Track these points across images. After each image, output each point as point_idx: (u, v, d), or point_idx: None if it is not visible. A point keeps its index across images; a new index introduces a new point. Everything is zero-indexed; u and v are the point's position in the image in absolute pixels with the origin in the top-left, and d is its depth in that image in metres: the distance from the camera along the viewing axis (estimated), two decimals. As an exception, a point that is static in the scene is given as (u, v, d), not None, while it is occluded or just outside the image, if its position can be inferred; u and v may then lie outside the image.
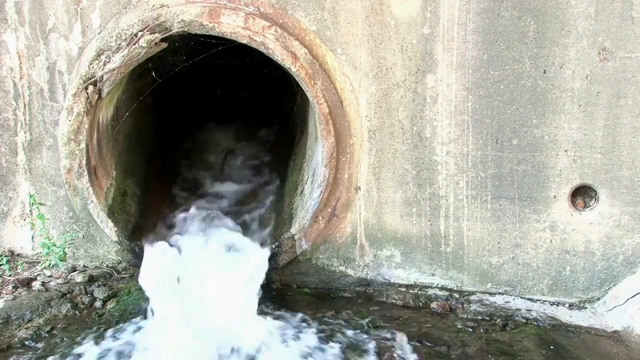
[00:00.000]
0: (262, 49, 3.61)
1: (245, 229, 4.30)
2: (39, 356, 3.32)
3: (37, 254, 4.12)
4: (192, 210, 4.47)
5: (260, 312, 3.66)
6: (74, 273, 3.98)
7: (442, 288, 4.02)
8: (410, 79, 3.78)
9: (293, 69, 3.65)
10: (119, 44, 3.53)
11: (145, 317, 3.60)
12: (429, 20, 3.69)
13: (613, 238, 3.83)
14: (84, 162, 3.70)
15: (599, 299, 3.89)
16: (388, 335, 3.57)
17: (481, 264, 3.97)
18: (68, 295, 3.80)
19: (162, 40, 3.56)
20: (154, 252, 3.76)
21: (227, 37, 3.59)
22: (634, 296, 3.71)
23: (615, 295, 3.82)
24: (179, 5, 3.59)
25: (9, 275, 3.92)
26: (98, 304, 3.79)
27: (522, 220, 3.87)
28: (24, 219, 4.10)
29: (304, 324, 3.65)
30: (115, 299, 3.81)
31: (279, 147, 5.38)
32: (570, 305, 3.92)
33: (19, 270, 3.98)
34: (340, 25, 3.74)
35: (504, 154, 3.81)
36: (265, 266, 3.82)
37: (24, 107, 3.95)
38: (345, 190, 3.95)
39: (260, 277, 3.75)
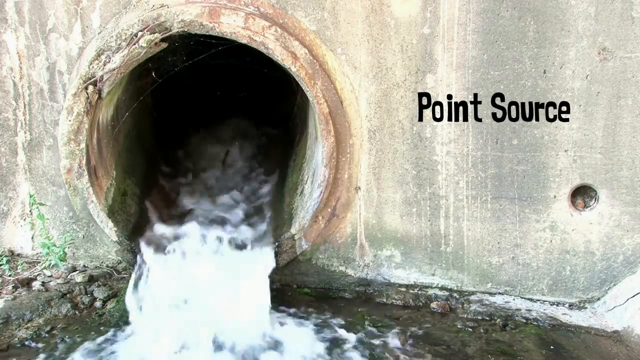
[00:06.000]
0: (262, 49, 3.61)
1: (246, 228, 4.30)
2: (39, 356, 3.32)
3: (37, 254, 4.12)
4: (192, 210, 4.47)
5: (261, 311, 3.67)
6: (74, 273, 3.98)
7: (442, 288, 4.02)
8: (410, 79, 3.78)
9: (293, 69, 3.65)
10: (119, 44, 3.53)
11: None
12: (429, 20, 3.70)
13: (613, 238, 3.83)
14: (84, 162, 3.70)
15: (599, 299, 3.90)
16: (387, 335, 3.57)
17: (481, 264, 3.97)
18: (68, 295, 3.81)
19: (162, 40, 3.56)
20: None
21: (227, 37, 3.59)
22: (634, 296, 3.71)
23: (615, 295, 3.82)
24: (179, 5, 3.59)
25: (9, 275, 3.92)
26: (98, 304, 3.80)
27: (522, 220, 3.87)
28: (24, 219, 4.10)
29: (303, 324, 3.65)
30: (115, 299, 3.81)
31: (279, 147, 5.38)
32: (570, 305, 3.92)
33: (19, 270, 3.98)
34: (340, 25, 3.74)
35: (504, 154, 3.81)
36: (270, 265, 3.84)
37: (24, 107, 3.95)
38: (345, 190, 3.95)
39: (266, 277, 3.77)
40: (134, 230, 4.05)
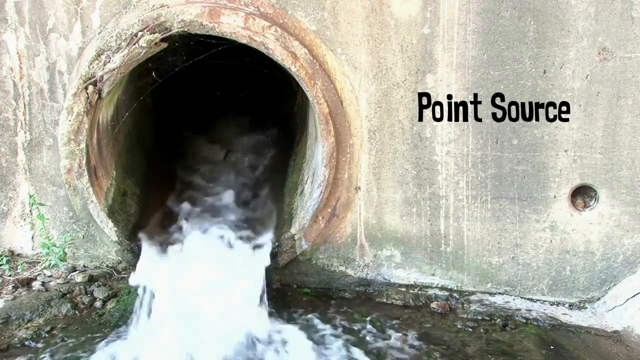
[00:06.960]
0: (262, 49, 3.61)
1: (246, 228, 4.30)
2: (39, 356, 3.32)
3: (37, 254, 4.12)
4: (193, 209, 4.47)
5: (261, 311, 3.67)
6: (74, 273, 3.98)
7: (442, 288, 4.02)
8: (410, 79, 3.78)
9: (293, 69, 3.65)
10: (119, 44, 3.53)
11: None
12: (429, 20, 3.70)
13: (613, 238, 3.83)
14: (84, 162, 3.71)
15: (599, 299, 3.90)
16: (387, 335, 3.57)
17: (481, 264, 3.97)
18: (68, 295, 3.81)
19: (162, 40, 3.56)
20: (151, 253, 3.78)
21: (227, 37, 3.59)
22: (634, 296, 3.71)
23: (615, 295, 3.82)
24: (179, 5, 3.59)
25: (9, 275, 3.92)
26: (98, 304, 3.80)
27: (522, 220, 3.88)
28: (24, 219, 4.10)
29: (303, 324, 3.65)
30: (115, 299, 3.81)
31: (278, 147, 5.38)
32: (570, 305, 3.92)
33: (19, 270, 3.98)
34: (340, 25, 3.74)
35: (504, 154, 3.82)
36: (266, 264, 3.84)
37: (24, 107, 3.95)
38: (345, 190, 3.95)
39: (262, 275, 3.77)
40: (134, 230, 4.05)
